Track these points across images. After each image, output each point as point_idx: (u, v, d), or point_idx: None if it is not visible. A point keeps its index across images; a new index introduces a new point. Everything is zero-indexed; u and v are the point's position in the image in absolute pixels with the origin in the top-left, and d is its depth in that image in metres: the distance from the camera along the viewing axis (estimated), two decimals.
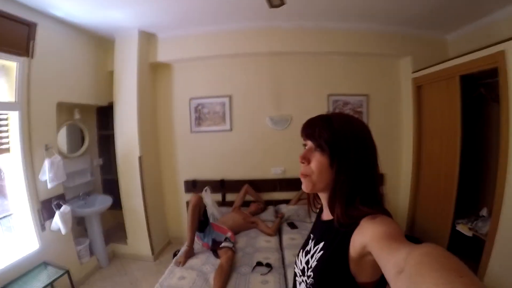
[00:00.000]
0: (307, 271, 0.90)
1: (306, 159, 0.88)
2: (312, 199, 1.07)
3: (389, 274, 0.59)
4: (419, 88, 3.69)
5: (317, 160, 0.86)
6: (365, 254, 0.72)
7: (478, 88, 3.03)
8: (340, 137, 0.84)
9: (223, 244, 2.78)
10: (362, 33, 3.65)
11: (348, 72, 3.92)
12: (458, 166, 3.00)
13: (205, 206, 3.00)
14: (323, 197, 0.95)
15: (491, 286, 2.50)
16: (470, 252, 2.96)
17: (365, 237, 0.72)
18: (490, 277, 2.55)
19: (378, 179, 0.90)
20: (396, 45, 3.75)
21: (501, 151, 2.49)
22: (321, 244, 0.89)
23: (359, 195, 0.82)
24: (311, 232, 1.05)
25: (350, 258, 0.76)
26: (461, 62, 2.89)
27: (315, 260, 0.88)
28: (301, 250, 1.01)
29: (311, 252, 0.92)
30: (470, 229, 2.93)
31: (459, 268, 0.48)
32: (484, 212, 3.02)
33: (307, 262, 0.92)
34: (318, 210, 1.09)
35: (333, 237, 0.85)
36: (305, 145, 0.93)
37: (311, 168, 0.87)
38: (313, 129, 0.88)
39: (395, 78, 3.97)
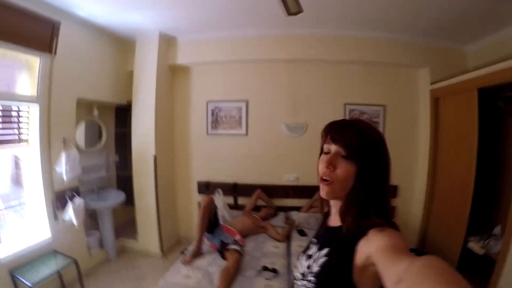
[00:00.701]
0: (308, 276, 0.89)
1: (332, 164, 0.85)
2: (322, 203, 1.06)
3: (388, 282, 0.60)
4: (436, 100, 3.62)
5: (345, 168, 0.84)
6: (368, 264, 0.72)
7: (496, 101, 2.95)
8: (369, 146, 0.84)
9: (231, 247, 2.79)
10: (380, 42, 3.63)
11: (365, 81, 3.88)
12: (473, 181, 2.90)
13: (216, 208, 3.02)
14: (335, 204, 0.94)
15: None
16: (480, 272, 2.88)
17: (371, 247, 0.72)
18: None
19: (389, 191, 0.89)
20: (414, 55, 3.70)
21: None
22: (325, 250, 0.88)
23: (372, 206, 0.82)
24: (315, 236, 1.04)
25: (354, 267, 0.76)
26: (480, 74, 2.82)
27: (318, 266, 0.87)
28: (303, 254, 1.01)
29: (314, 257, 0.91)
30: (482, 247, 2.83)
31: (458, 282, 0.48)
32: (497, 230, 2.90)
33: (309, 267, 0.91)
34: (324, 214, 1.08)
35: (339, 244, 0.85)
36: (323, 149, 0.92)
37: (337, 175, 0.84)
38: (343, 134, 0.86)
39: (412, 89, 3.91)
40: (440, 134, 3.58)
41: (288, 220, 3.64)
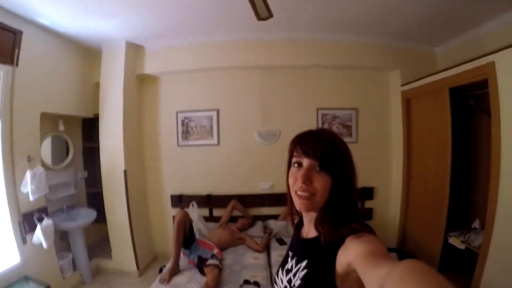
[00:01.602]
0: None
1: (309, 179, 0.84)
2: (291, 214, 1.04)
3: None
4: (408, 101, 3.69)
5: (322, 181, 0.83)
6: (350, 271, 0.72)
7: (467, 100, 3.04)
8: (340, 155, 0.85)
9: (209, 262, 2.72)
10: (351, 45, 3.66)
11: (337, 85, 3.91)
12: (449, 178, 2.99)
13: (191, 222, 2.93)
14: (307, 215, 0.94)
15: None
16: (462, 265, 2.96)
17: (350, 255, 0.71)
18: None
19: (358, 195, 0.90)
20: (385, 58, 3.76)
21: (492, 163, 2.49)
22: (304, 263, 0.87)
23: (347, 213, 0.83)
24: (290, 249, 1.02)
25: (336, 276, 0.76)
26: (450, 75, 2.91)
27: (299, 279, 0.85)
28: (281, 268, 0.99)
29: (293, 271, 0.90)
30: (462, 242, 2.90)
31: (440, 283, 0.48)
32: (476, 224, 3.00)
33: (289, 281, 0.89)
34: (295, 226, 1.07)
35: (318, 255, 0.84)
36: (290, 162, 0.91)
37: (315, 188, 0.83)
38: (315, 147, 0.85)
39: (384, 92, 3.97)
40: (413, 134, 3.66)
41: (266, 229, 3.58)
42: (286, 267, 0.96)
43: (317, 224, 0.87)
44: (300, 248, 0.97)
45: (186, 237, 2.77)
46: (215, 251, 2.89)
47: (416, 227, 3.62)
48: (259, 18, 2.61)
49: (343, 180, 0.84)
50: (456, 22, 3.12)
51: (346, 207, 0.84)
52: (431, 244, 3.22)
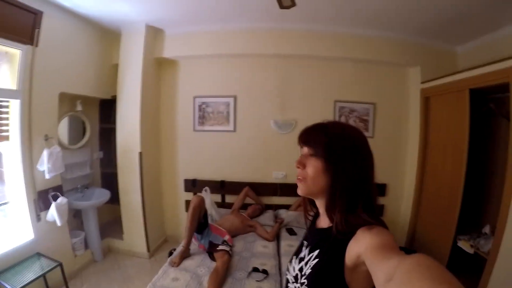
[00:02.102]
0: (301, 278, 0.89)
1: (301, 164, 0.92)
2: (307, 206, 1.08)
3: (378, 281, 0.61)
4: (427, 99, 3.62)
5: (312, 165, 0.89)
6: (359, 263, 0.73)
7: (487, 102, 2.97)
8: (335, 143, 0.87)
9: (220, 247, 2.73)
10: (372, 39, 3.60)
11: (356, 79, 3.85)
12: (463, 180, 2.93)
13: (206, 208, 2.95)
14: (320, 204, 0.96)
15: None
16: (470, 270, 2.91)
17: (361, 246, 0.72)
18: None
19: (374, 188, 0.90)
20: (406, 54, 3.69)
21: (508, 168, 2.42)
22: (316, 252, 0.89)
23: (358, 203, 0.84)
24: (305, 239, 1.05)
25: (345, 267, 0.77)
26: (471, 75, 2.84)
27: (310, 268, 0.87)
28: (294, 257, 1.02)
29: (305, 259, 0.92)
30: (471, 246, 2.86)
31: (448, 280, 0.48)
32: (486, 229, 2.94)
33: (301, 269, 0.91)
34: (312, 217, 1.10)
35: (329, 245, 0.85)
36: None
37: (307, 172, 0.90)
38: (309, 135, 0.94)
39: (403, 88, 3.90)
40: (430, 133, 3.60)
41: (277, 218, 3.59)
42: (299, 256, 0.98)
43: (328, 210, 0.89)
44: (313, 237, 0.99)
45: (200, 223, 2.79)
46: (226, 237, 2.91)
47: (426, 227, 3.58)
48: (282, 6, 2.58)
49: (344, 168, 0.85)
50: (480, 22, 3.03)
51: (358, 196, 0.84)
52: (440, 245, 3.19)
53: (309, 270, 0.87)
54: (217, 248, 2.72)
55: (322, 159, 0.87)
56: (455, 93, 3.10)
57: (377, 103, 3.86)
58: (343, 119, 3.82)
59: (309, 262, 0.89)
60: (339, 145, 0.87)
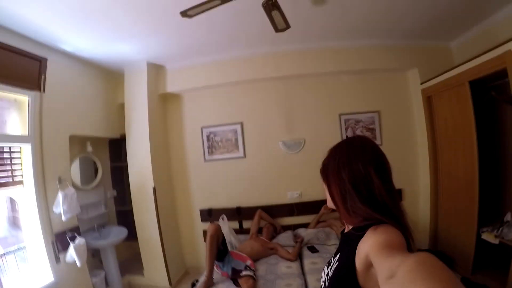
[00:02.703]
0: (327, 282, 0.91)
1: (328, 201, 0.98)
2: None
3: (381, 278, 0.61)
4: (429, 99, 3.65)
5: (328, 192, 0.95)
6: (369, 264, 0.73)
7: (488, 91, 2.98)
8: (329, 163, 0.94)
9: (243, 273, 2.70)
10: (365, 49, 3.69)
11: (357, 90, 3.91)
12: (477, 172, 2.91)
13: (223, 235, 2.93)
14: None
15: None
16: (498, 262, 2.86)
17: (367, 246, 0.74)
18: None
19: (390, 192, 0.85)
20: (401, 58, 3.76)
21: None
22: (338, 255, 0.92)
23: (368, 206, 0.82)
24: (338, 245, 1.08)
25: (357, 269, 0.77)
26: (469, 68, 2.87)
27: (332, 271, 0.89)
28: (327, 265, 1.02)
29: (331, 264, 0.93)
30: (496, 236, 2.79)
31: (450, 280, 0.48)
32: (508, 217, 2.87)
33: (327, 274, 0.93)
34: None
35: (346, 247, 0.88)
36: None
37: (327, 195, 0.97)
38: (321, 165, 0.99)
39: (404, 92, 3.94)
40: (438, 132, 3.60)
41: (297, 238, 3.55)
42: (329, 261, 0.99)
43: (343, 219, 0.95)
44: (340, 243, 1.03)
45: (219, 250, 2.77)
46: (248, 262, 2.89)
47: (447, 226, 3.52)
48: (277, 30, 2.67)
49: (343, 179, 0.87)
50: (468, 14, 3.09)
51: (365, 200, 0.83)
52: (464, 241, 3.13)
53: (331, 273, 0.89)
54: (241, 274, 2.70)
55: (325, 182, 0.96)
56: (455, 88, 3.13)
57: (381, 110, 3.89)
58: (349, 131, 3.85)
59: (333, 266, 0.91)
60: (332, 164, 0.92)
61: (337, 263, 0.88)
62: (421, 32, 3.48)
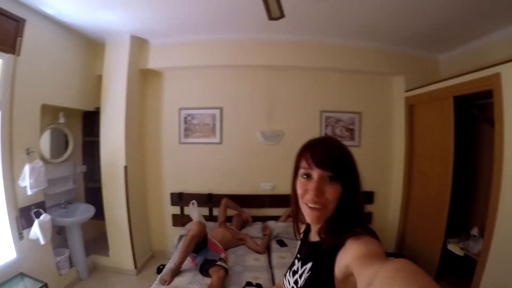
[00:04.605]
0: None
1: (321, 191, 0.82)
2: (298, 221, 1.04)
3: (360, 286, 0.61)
4: (411, 107, 3.72)
5: (334, 191, 0.82)
6: (348, 274, 0.72)
7: (470, 108, 3.07)
8: (349, 164, 0.85)
9: (217, 263, 2.65)
10: (358, 50, 3.68)
11: (342, 89, 3.92)
12: (450, 185, 3.01)
13: (206, 233, 2.86)
14: None
15: None
16: (461, 272, 2.99)
17: (348, 257, 0.72)
18: None
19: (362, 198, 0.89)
20: (390, 63, 3.79)
21: (494, 171, 2.51)
22: (309, 265, 0.89)
23: (351, 218, 0.83)
24: (298, 252, 1.05)
25: (336, 279, 0.76)
26: (455, 83, 2.93)
27: (304, 281, 0.87)
28: (289, 270, 1.02)
29: (299, 272, 0.92)
30: (461, 248, 2.93)
31: (427, 284, 0.48)
32: (475, 231, 3.03)
33: (296, 282, 0.91)
34: (303, 232, 1.08)
35: (321, 257, 0.85)
36: (297, 169, 0.91)
37: (327, 200, 0.82)
38: (328, 157, 0.84)
39: (387, 97, 3.99)
40: (416, 140, 3.69)
41: (265, 230, 3.54)
42: (293, 269, 0.98)
43: (321, 233, 0.88)
44: (306, 251, 0.99)
45: (198, 246, 2.71)
46: (223, 255, 2.84)
47: (415, 232, 3.64)
48: (271, 17, 2.60)
49: (352, 189, 0.83)
50: (461, 31, 3.15)
51: (351, 214, 0.84)
52: (430, 249, 3.25)
53: (303, 283, 0.87)
54: (215, 263, 2.65)
55: (338, 182, 0.82)
56: (439, 101, 3.19)
57: (362, 112, 3.93)
58: (329, 129, 3.87)
59: (303, 275, 0.88)
60: (352, 166, 0.86)
61: (309, 272, 0.87)
62: (414, 41, 3.53)
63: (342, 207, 0.83)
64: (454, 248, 2.99)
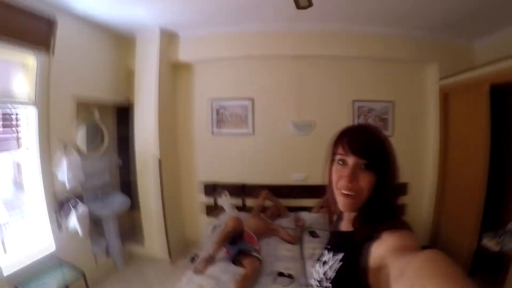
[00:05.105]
0: (326, 282, 0.88)
1: (356, 179, 0.83)
2: (333, 210, 1.04)
3: (393, 277, 0.63)
4: (446, 96, 3.57)
5: (368, 180, 0.82)
6: (382, 266, 0.71)
7: (507, 96, 2.91)
8: (386, 154, 0.85)
9: (252, 253, 2.67)
10: (388, 37, 3.56)
11: (374, 78, 3.81)
12: (486, 177, 2.89)
13: (243, 230, 2.88)
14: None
15: None
16: (493, 268, 2.87)
17: (384, 249, 0.72)
18: None
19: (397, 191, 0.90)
20: (422, 51, 3.65)
21: None
22: (340, 255, 0.88)
23: (386, 210, 0.84)
24: (328, 243, 1.04)
25: (369, 270, 0.75)
26: (492, 70, 2.79)
27: (334, 271, 0.86)
28: (318, 261, 1.00)
29: (329, 263, 0.90)
30: (497, 244, 2.80)
31: (459, 277, 0.48)
32: (511, 226, 2.87)
33: (325, 273, 0.90)
34: (336, 219, 1.09)
35: (353, 248, 0.83)
36: (334, 156, 0.90)
37: (361, 187, 0.82)
38: (364, 144, 0.84)
39: (421, 85, 3.85)
40: (451, 130, 3.54)
41: (298, 221, 3.53)
42: (323, 260, 0.96)
43: (355, 223, 0.88)
44: (337, 241, 0.99)
45: (234, 238, 2.73)
46: (257, 246, 2.86)
47: (449, 226, 3.52)
48: (299, 6, 2.56)
49: (386, 179, 0.83)
50: (496, 15, 2.96)
51: (385, 205, 0.84)
52: (464, 244, 3.13)
53: (334, 274, 0.86)
54: (247, 254, 2.66)
55: (373, 170, 0.82)
56: (475, 88, 3.05)
57: (395, 101, 3.81)
58: (362, 119, 3.78)
59: (333, 266, 0.88)
60: (390, 157, 0.85)
61: (341, 263, 0.86)
62: (446, 27, 3.36)
63: (375, 197, 0.83)
64: (489, 243, 2.85)
